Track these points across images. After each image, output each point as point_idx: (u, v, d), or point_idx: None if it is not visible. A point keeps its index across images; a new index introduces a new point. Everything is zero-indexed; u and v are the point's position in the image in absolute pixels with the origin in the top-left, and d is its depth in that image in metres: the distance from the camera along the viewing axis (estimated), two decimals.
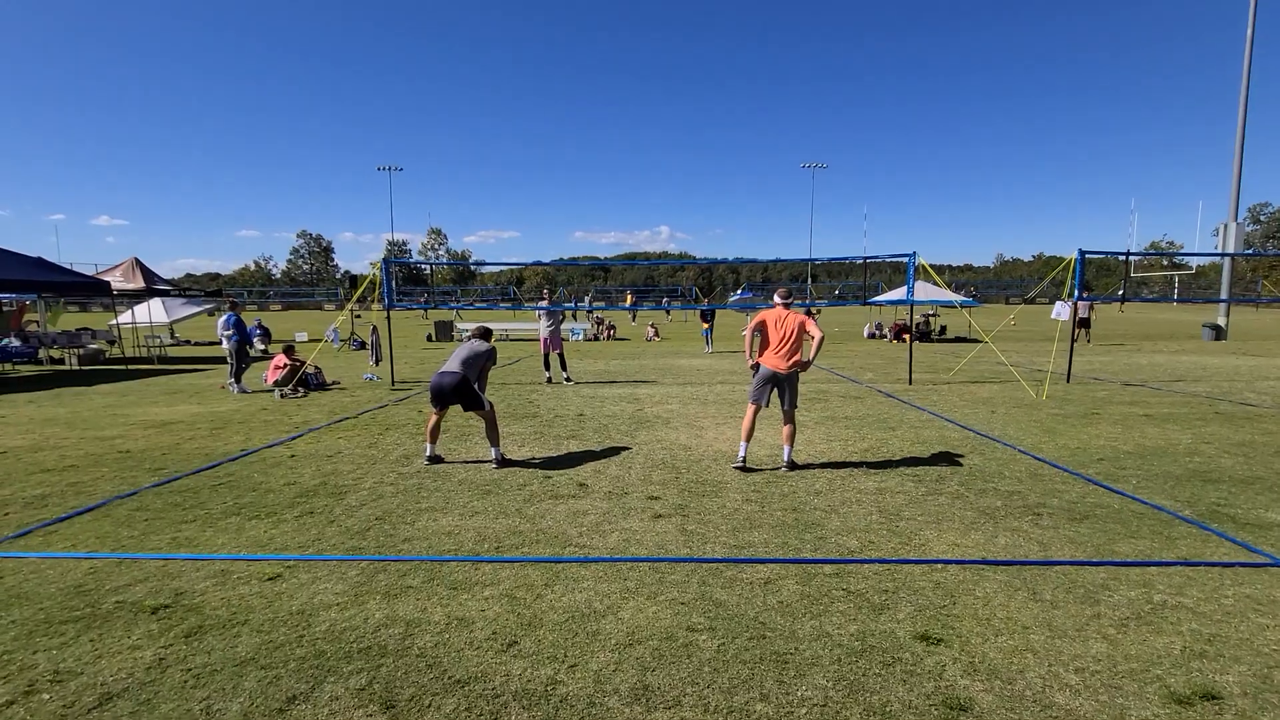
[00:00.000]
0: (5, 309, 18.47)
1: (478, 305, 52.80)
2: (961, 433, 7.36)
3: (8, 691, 2.58)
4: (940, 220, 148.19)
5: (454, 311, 31.62)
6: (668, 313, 30.80)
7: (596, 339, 24.58)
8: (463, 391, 5.93)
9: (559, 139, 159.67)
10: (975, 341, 19.67)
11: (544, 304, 12.37)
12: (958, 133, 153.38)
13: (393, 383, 11.74)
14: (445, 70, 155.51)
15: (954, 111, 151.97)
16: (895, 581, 3.52)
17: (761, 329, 5.80)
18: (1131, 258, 14.06)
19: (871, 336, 24.09)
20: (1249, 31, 23.50)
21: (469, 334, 7.12)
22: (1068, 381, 11.34)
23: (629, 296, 42.10)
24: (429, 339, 24.13)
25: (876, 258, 13.60)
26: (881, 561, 3.78)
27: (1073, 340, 12.03)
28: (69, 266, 17.59)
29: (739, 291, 41.49)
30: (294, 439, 7.22)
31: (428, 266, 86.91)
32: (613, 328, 26.49)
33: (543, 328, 11.98)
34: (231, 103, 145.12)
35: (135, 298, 19.53)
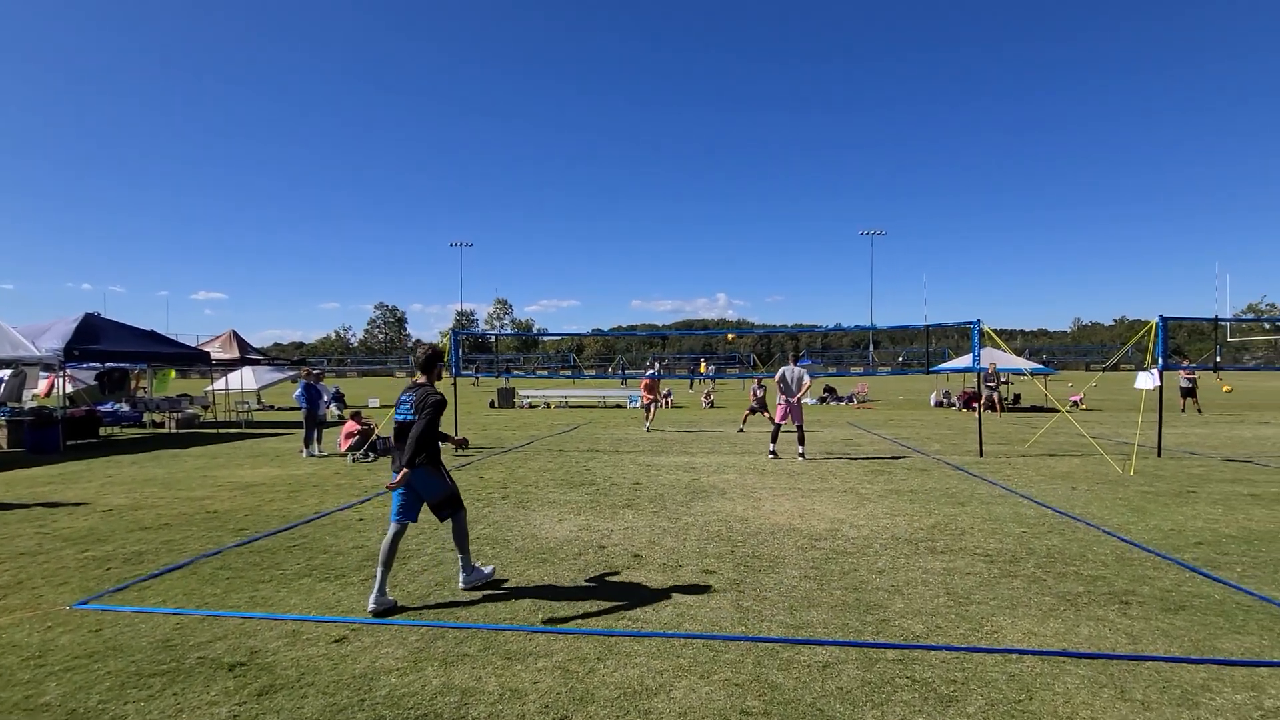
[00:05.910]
0: (126, 375, 20.33)
1: (538, 374, 54.10)
2: (1038, 510, 6.93)
3: None
4: (1010, 283, 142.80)
5: (504, 379, 32.57)
6: (712, 381, 31.43)
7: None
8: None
9: (615, 210, 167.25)
10: (1052, 411, 18.61)
11: (652, 371, 17.25)
12: (1023, 195, 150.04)
13: (455, 449, 12.09)
14: (513, 148, 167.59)
15: (1020, 172, 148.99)
16: (965, 671, 3.32)
17: None
18: (1224, 323, 13.24)
19: (939, 405, 23.21)
20: None
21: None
22: (1158, 456, 10.55)
23: (703, 365, 43.30)
24: (491, 405, 24.85)
25: (939, 325, 13.34)
26: (950, 649, 3.58)
27: (1165, 410, 11.23)
28: (174, 337, 19.36)
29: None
30: (363, 503, 7.54)
31: (493, 336, 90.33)
32: (669, 394, 26.58)
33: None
34: (322, 182, 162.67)
35: (229, 366, 21.16)
